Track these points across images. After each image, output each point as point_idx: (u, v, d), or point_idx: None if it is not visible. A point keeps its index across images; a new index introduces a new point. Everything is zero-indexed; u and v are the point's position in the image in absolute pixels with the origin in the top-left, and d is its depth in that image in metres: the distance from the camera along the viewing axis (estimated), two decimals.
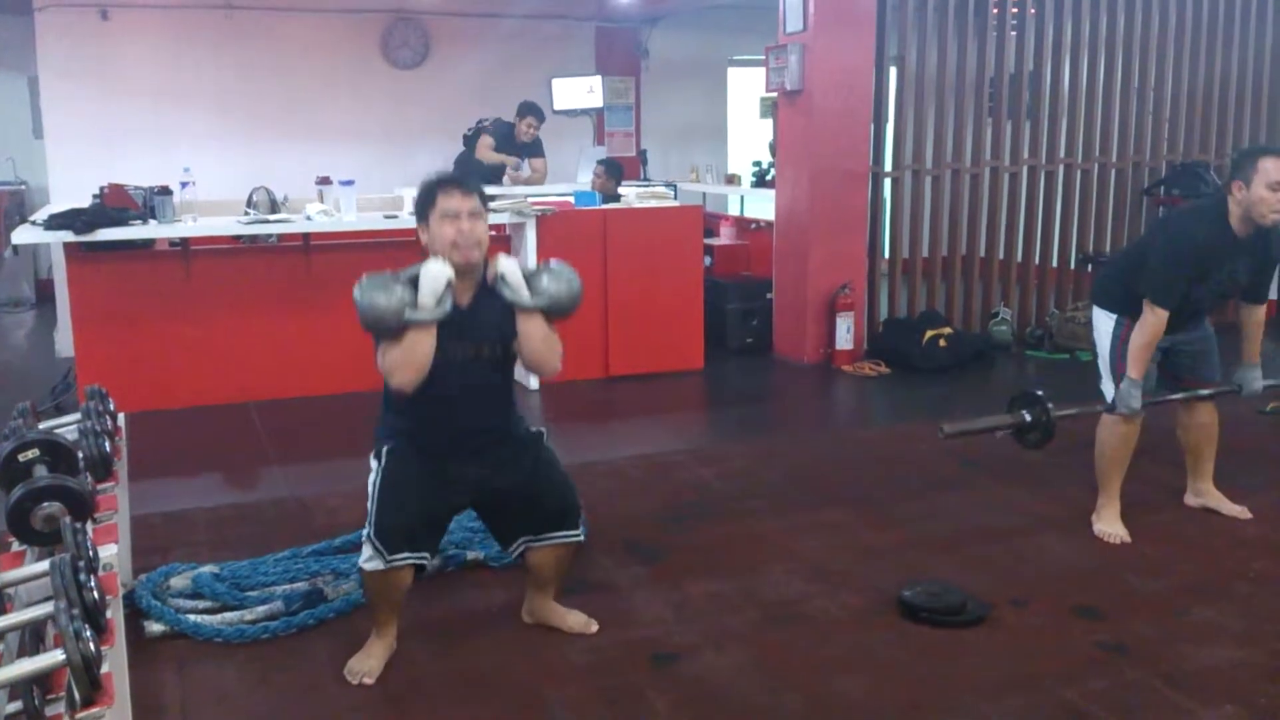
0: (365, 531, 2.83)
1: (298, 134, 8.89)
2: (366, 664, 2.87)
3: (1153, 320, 3.59)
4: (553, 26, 9.58)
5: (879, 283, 6.95)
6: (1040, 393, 3.83)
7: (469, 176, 2.87)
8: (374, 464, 2.89)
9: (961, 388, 6.23)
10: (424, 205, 2.82)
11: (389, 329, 2.70)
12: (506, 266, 2.82)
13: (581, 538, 3.07)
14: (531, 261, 5.55)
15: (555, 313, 2.86)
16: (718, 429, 5.72)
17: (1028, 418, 3.85)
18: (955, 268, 7.10)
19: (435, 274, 2.71)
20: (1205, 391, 3.84)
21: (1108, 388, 3.80)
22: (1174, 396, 3.85)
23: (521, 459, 2.96)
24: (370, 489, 2.86)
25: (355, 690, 2.81)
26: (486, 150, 7.69)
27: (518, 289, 2.80)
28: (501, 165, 7.72)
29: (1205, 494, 4.00)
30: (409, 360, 2.71)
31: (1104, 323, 3.80)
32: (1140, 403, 3.64)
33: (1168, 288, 3.57)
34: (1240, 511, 3.94)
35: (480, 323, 2.84)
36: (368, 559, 2.82)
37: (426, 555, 2.87)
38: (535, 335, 2.84)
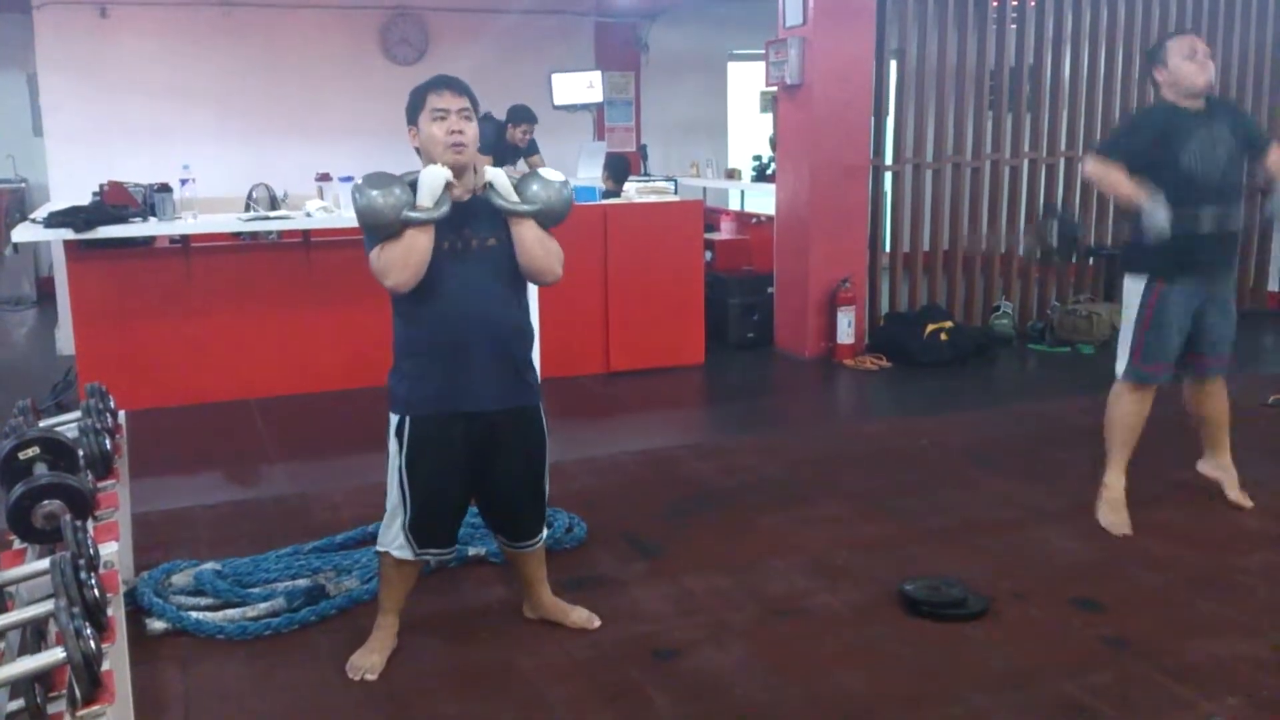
0: (398, 520, 2.84)
1: (297, 130, 8.89)
2: (369, 660, 2.87)
3: (1092, 164, 3.67)
4: (552, 21, 9.57)
5: (880, 277, 6.95)
6: (1063, 208, 3.82)
7: (459, 80, 2.85)
8: (394, 443, 2.85)
9: (963, 382, 6.23)
10: (415, 107, 2.81)
11: (387, 228, 2.68)
12: (494, 174, 2.81)
13: (537, 546, 3.05)
14: None
15: (547, 218, 2.84)
16: (718, 424, 5.72)
17: (1054, 242, 3.82)
18: (956, 261, 7.10)
19: (434, 174, 2.71)
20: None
21: (1120, 355, 3.77)
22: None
23: (522, 461, 2.92)
24: (397, 475, 2.84)
25: (357, 686, 2.81)
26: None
27: (506, 194, 2.79)
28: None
29: (1223, 468, 3.99)
30: (406, 259, 2.68)
31: (1133, 286, 3.76)
32: (1168, 222, 3.52)
33: (1114, 142, 3.72)
34: (1242, 498, 3.94)
35: (480, 215, 2.81)
36: (398, 547, 2.85)
37: (453, 551, 3.00)
38: (529, 238, 2.81)
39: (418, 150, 2.82)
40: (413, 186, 2.71)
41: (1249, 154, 3.70)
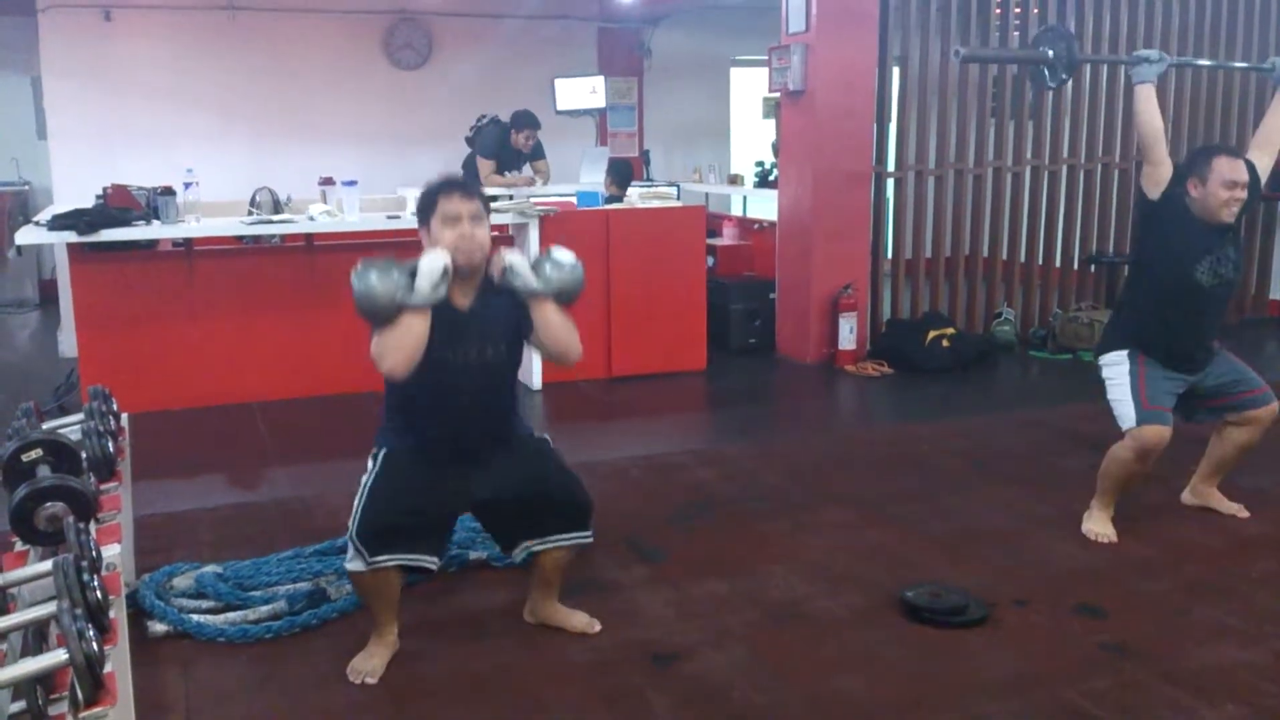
0: (349, 531, 2.83)
1: (301, 134, 8.90)
2: (369, 664, 2.87)
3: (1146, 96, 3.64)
4: (555, 27, 9.58)
5: (882, 283, 6.95)
6: (1063, 30, 3.77)
7: (473, 180, 2.88)
8: (369, 465, 2.90)
9: (964, 388, 6.23)
10: (425, 209, 2.82)
11: (384, 313, 2.69)
12: (513, 258, 2.83)
13: (590, 538, 3.06)
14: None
15: (563, 298, 2.87)
16: (720, 429, 5.72)
17: (1050, 53, 3.75)
18: (958, 268, 7.10)
19: (433, 260, 2.72)
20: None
21: (1124, 412, 3.67)
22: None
23: (523, 463, 2.96)
24: (360, 489, 2.86)
25: (358, 690, 2.82)
26: (488, 175, 7.68)
27: (526, 277, 2.81)
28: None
29: (1208, 495, 3.99)
30: (400, 344, 2.69)
31: (1115, 358, 3.72)
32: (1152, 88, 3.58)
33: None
34: (1238, 509, 3.93)
35: (484, 324, 2.85)
36: (350, 559, 2.83)
37: (413, 557, 2.81)
38: (553, 321, 2.85)
39: (425, 247, 2.83)
40: (413, 274, 2.72)
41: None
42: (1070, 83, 7.12)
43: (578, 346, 2.92)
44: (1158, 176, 3.65)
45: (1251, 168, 3.62)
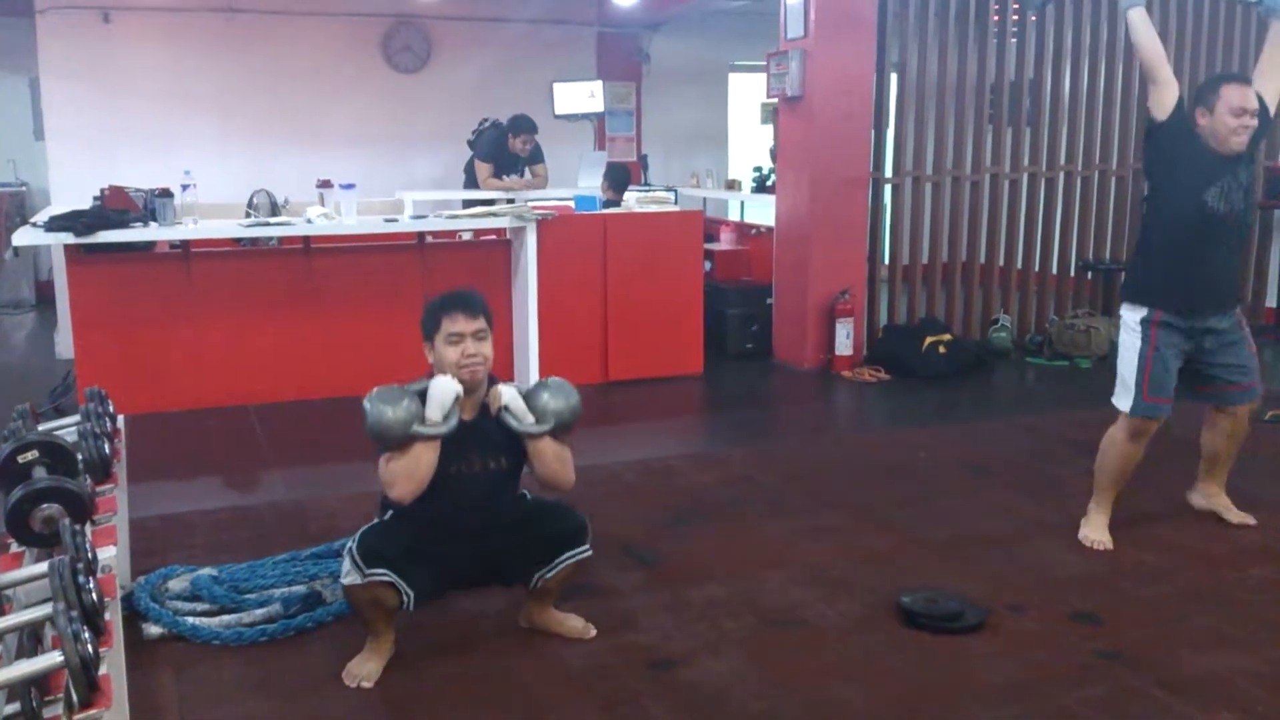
0: (348, 546, 2.85)
1: (299, 137, 8.90)
2: (365, 667, 2.87)
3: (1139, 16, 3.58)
4: (554, 31, 9.59)
5: (879, 289, 6.96)
6: None
7: (474, 296, 2.88)
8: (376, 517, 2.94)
9: (961, 394, 6.24)
10: (430, 326, 2.86)
11: (395, 441, 2.73)
12: (509, 396, 2.87)
13: (590, 552, 3.06)
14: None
15: (560, 431, 2.91)
16: (717, 434, 5.72)
17: None
18: (955, 274, 7.11)
19: (444, 388, 2.76)
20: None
21: (1124, 391, 3.70)
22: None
23: (515, 526, 2.98)
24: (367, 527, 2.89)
25: (353, 694, 2.81)
26: (486, 178, 7.69)
27: (522, 417, 2.86)
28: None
29: (1214, 497, 3.98)
30: (411, 473, 2.74)
31: (1132, 316, 3.69)
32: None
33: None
34: (1245, 519, 3.93)
35: (487, 435, 2.88)
36: (346, 573, 2.83)
37: (405, 581, 2.79)
38: (547, 455, 2.90)
39: (431, 367, 2.86)
40: (421, 396, 2.76)
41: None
42: (1067, 89, 7.16)
43: (571, 477, 2.96)
44: (1163, 98, 3.60)
45: (1260, 98, 3.59)
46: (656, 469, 4.70)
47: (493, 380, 2.96)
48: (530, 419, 2.86)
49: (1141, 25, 3.58)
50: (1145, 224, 3.87)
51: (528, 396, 2.89)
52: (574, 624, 3.12)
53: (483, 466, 2.89)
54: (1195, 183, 3.56)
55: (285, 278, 5.79)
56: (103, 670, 1.74)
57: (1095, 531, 3.78)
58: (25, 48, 8.42)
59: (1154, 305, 3.65)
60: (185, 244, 5.60)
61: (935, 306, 7.09)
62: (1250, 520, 3.92)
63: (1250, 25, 7.47)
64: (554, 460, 2.90)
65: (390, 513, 2.92)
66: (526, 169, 7.88)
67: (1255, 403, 3.85)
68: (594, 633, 3.10)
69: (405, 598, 2.81)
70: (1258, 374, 3.80)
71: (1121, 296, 3.84)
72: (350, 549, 2.81)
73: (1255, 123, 3.54)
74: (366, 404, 2.75)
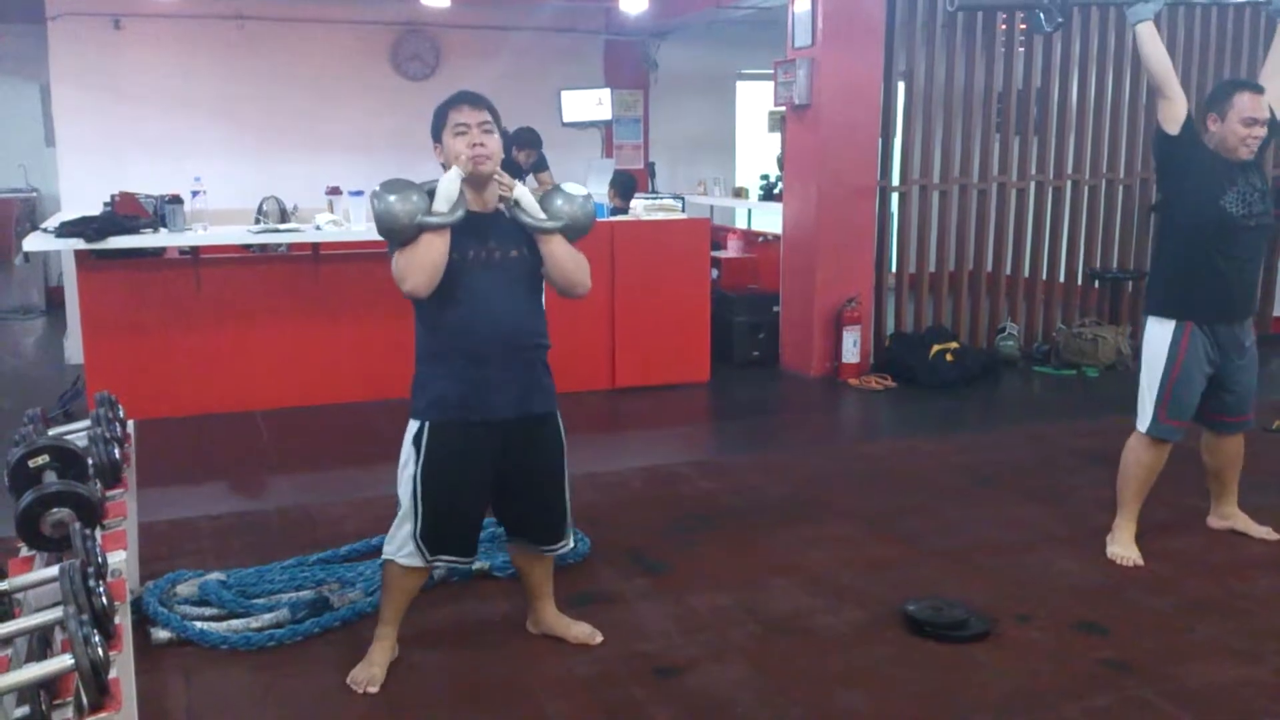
0: (407, 527, 2.84)
1: (308, 144, 8.93)
2: (369, 672, 2.88)
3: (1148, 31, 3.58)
4: (562, 39, 9.62)
5: (886, 297, 6.96)
6: None
7: (480, 95, 2.90)
8: (411, 450, 2.86)
9: (968, 403, 6.24)
10: (438, 124, 2.86)
11: (404, 233, 2.73)
12: (521, 193, 2.86)
13: (561, 551, 3.07)
14: None
15: (572, 232, 2.89)
16: (723, 442, 5.73)
17: None
18: (962, 283, 7.11)
19: (450, 179, 2.76)
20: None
21: (1144, 409, 3.68)
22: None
23: (539, 465, 2.95)
24: (410, 483, 2.84)
25: (360, 699, 2.82)
26: None
27: (534, 212, 2.83)
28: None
29: (1231, 516, 3.97)
30: (421, 263, 2.72)
31: (1159, 330, 3.65)
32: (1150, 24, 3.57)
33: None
34: (1267, 533, 3.90)
35: (505, 226, 2.86)
36: (406, 555, 2.85)
37: (464, 559, 2.95)
38: (560, 253, 2.87)
39: (443, 166, 2.85)
40: (431, 195, 2.76)
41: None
42: (1075, 98, 7.16)
43: (586, 281, 2.93)
44: (1174, 112, 3.59)
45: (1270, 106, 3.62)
46: (663, 476, 4.70)
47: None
48: (541, 215, 2.84)
49: (1149, 39, 3.58)
50: (1163, 234, 3.85)
51: (542, 200, 2.88)
52: (581, 630, 3.13)
53: (503, 255, 2.83)
54: (1211, 190, 3.56)
55: (294, 284, 5.81)
56: (112, 674, 1.75)
57: (1124, 548, 3.74)
58: (36, 54, 8.47)
59: (1184, 317, 3.62)
60: (195, 250, 5.63)
61: (942, 315, 7.09)
62: (1274, 535, 3.89)
63: (1260, 34, 7.47)
64: (567, 259, 2.87)
65: (422, 369, 2.88)
66: (531, 177, 7.89)
67: (1242, 435, 3.86)
68: (600, 639, 3.11)
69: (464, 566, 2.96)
70: (1250, 405, 3.81)
71: (1147, 310, 3.78)
72: (413, 534, 2.83)
73: (1264, 133, 3.55)
74: (373, 197, 2.75)
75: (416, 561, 2.87)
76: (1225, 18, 7.45)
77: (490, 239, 2.82)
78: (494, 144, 2.82)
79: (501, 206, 2.87)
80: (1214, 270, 3.59)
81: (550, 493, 2.99)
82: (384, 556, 2.94)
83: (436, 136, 2.87)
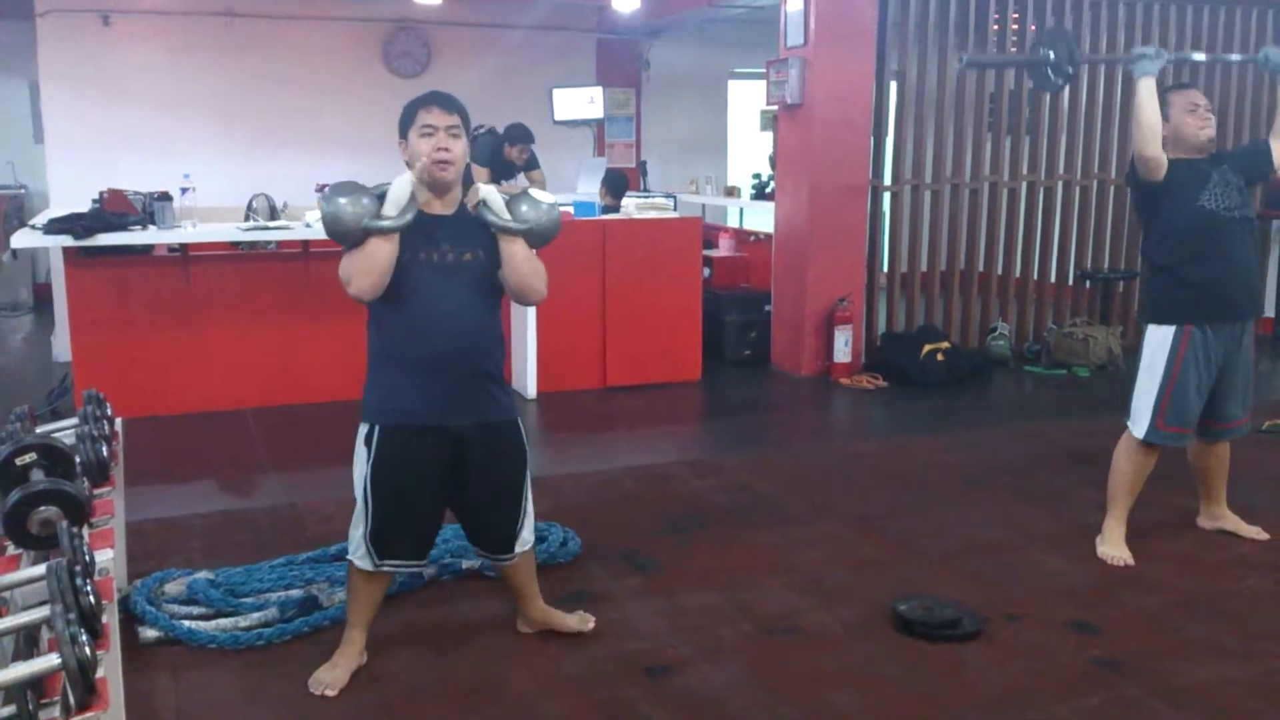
0: (360, 529, 2.86)
1: (298, 141, 8.91)
2: (331, 674, 2.86)
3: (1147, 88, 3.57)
4: (554, 37, 9.60)
5: (877, 296, 6.97)
6: (1066, 31, 3.81)
7: (451, 96, 2.89)
8: (363, 451, 2.87)
9: (959, 402, 6.24)
10: (406, 121, 2.84)
11: (351, 235, 2.72)
12: (488, 192, 2.85)
13: (514, 560, 3.03)
14: None
15: (535, 238, 2.88)
16: (715, 441, 5.72)
17: (1051, 55, 3.79)
18: (954, 282, 7.12)
19: (400, 184, 2.75)
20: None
21: (1140, 415, 3.68)
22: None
23: (494, 473, 2.93)
24: (361, 484, 2.86)
25: (348, 699, 2.80)
26: (483, 181, 7.66)
27: (499, 211, 2.82)
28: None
29: (1221, 517, 3.98)
30: (367, 266, 2.71)
31: (1158, 336, 3.66)
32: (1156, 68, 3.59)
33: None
34: (1257, 533, 3.91)
35: (462, 230, 2.84)
36: (359, 556, 2.87)
37: (413, 564, 2.95)
38: (519, 255, 2.84)
39: (408, 164, 2.83)
40: (382, 198, 2.74)
41: (1258, 174, 3.78)
42: (1067, 98, 7.17)
43: (541, 288, 2.91)
44: (1158, 171, 3.60)
45: (1267, 149, 3.76)
46: (654, 475, 4.69)
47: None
48: (506, 216, 2.82)
49: (1148, 99, 3.58)
50: (1149, 244, 3.84)
51: (509, 203, 2.86)
52: (573, 619, 3.14)
53: (456, 258, 2.81)
54: (1188, 193, 3.60)
55: (284, 282, 5.78)
56: (100, 673, 1.74)
57: (1114, 548, 3.74)
58: (25, 50, 8.42)
59: (1183, 320, 3.63)
60: (184, 247, 5.60)
61: (934, 314, 7.10)
62: (1264, 535, 3.90)
63: (1262, 92, 7.55)
64: (524, 263, 2.84)
65: (373, 372, 2.89)
66: (522, 175, 7.88)
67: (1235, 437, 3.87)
68: (593, 623, 3.13)
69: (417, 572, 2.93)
70: (1246, 410, 3.81)
71: (1146, 318, 3.79)
72: (364, 535, 2.84)
73: (1212, 114, 3.65)
74: (321, 200, 2.75)
75: (367, 565, 2.86)
76: (1229, 76, 7.51)
77: (443, 240, 2.80)
78: (459, 149, 2.80)
79: (467, 204, 2.86)
80: (1205, 269, 3.61)
81: (506, 503, 2.97)
82: (348, 556, 2.95)
83: (403, 133, 2.85)
